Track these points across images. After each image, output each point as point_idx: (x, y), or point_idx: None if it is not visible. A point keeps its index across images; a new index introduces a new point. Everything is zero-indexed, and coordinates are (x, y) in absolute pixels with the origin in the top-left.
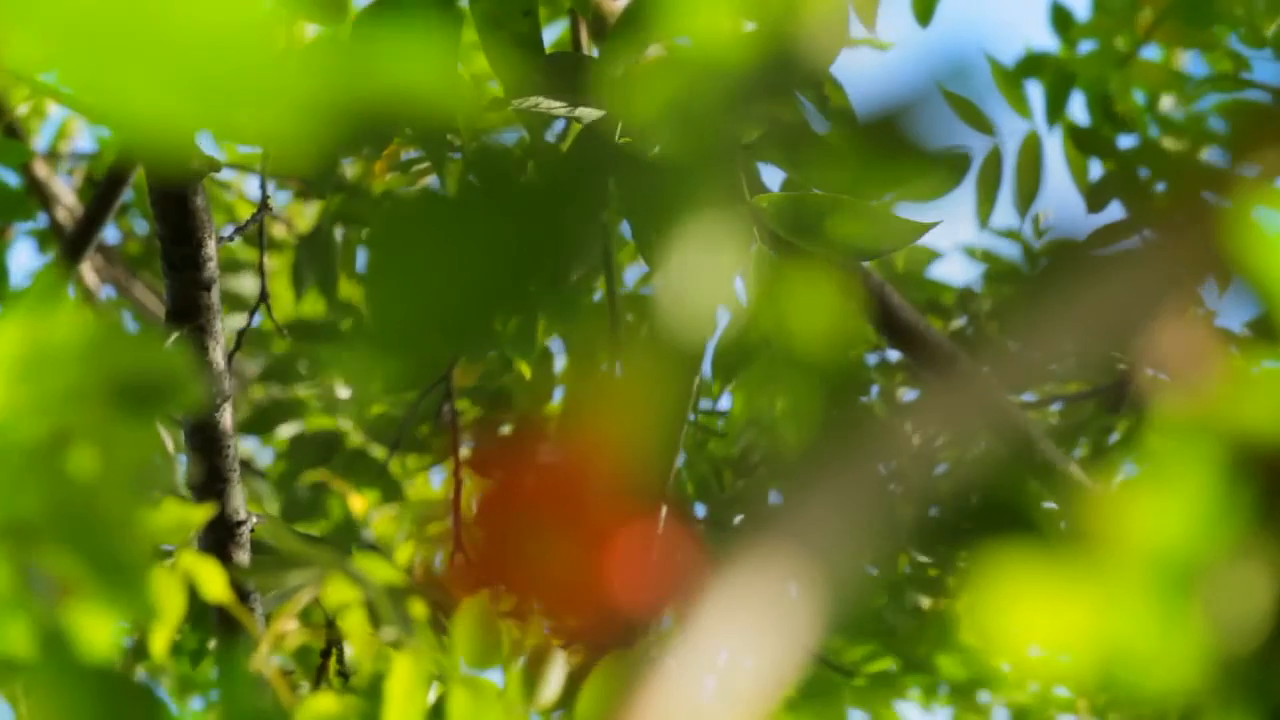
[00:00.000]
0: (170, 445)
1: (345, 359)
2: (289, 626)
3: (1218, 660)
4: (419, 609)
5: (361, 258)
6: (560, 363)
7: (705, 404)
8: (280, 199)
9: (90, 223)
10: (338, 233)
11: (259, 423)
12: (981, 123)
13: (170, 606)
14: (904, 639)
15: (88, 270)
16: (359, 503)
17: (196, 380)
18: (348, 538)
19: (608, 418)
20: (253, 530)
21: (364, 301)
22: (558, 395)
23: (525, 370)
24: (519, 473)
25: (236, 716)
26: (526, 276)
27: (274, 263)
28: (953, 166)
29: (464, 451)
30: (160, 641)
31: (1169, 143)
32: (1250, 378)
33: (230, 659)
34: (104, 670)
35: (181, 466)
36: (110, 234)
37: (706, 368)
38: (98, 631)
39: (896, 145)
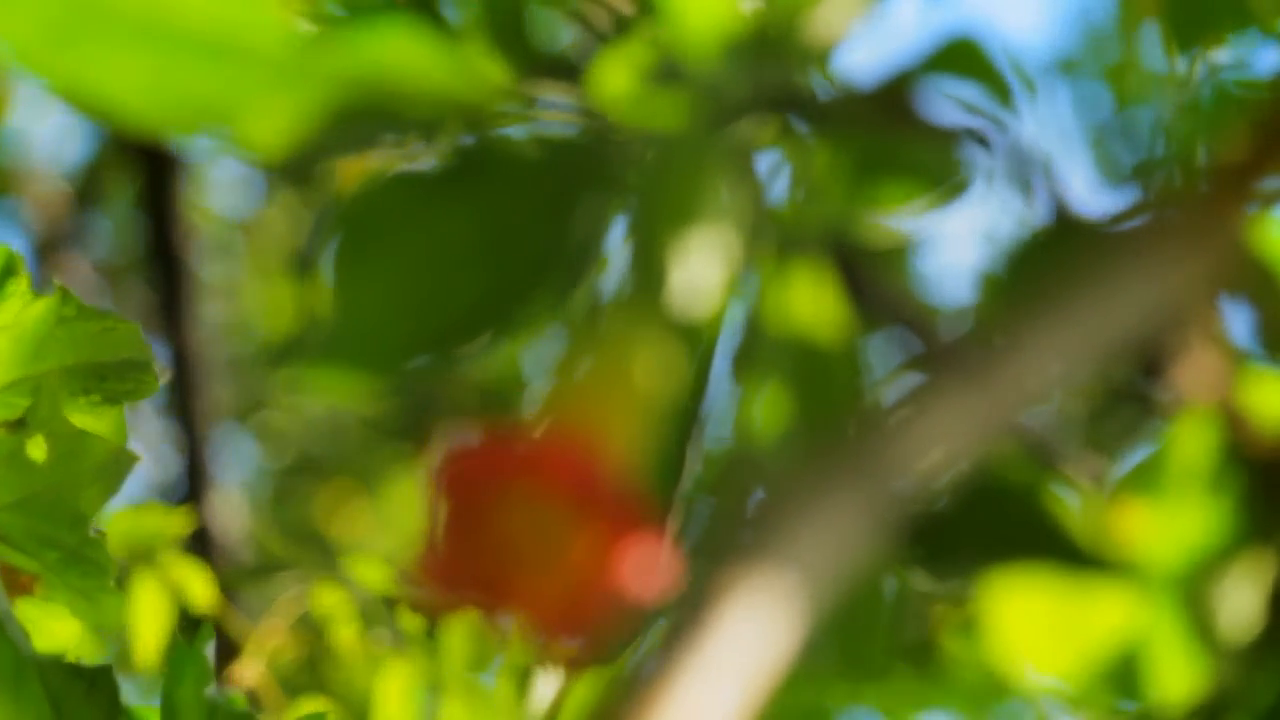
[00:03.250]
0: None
1: (309, 371)
2: (275, 631)
3: (1220, 664)
4: (409, 617)
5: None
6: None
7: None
8: (265, 189)
9: (71, 218)
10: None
11: (243, 415)
12: (987, 108)
13: (155, 610)
14: (908, 648)
15: (69, 270)
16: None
17: (157, 365)
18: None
19: (598, 417)
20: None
21: (330, 301)
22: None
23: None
24: (495, 472)
25: (182, 707)
26: (524, 273)
27: (258, 255)
28: (958, 166)
29: (442, 449)
30: (145, 645)
31: (1179, 132)
32: (1259, 381)
33: (178, 652)
34: (55, 661)
35: (159, 464)
36: (99, 238)
37: (718, 374)
38: (60, 625)
39: (902, 132)
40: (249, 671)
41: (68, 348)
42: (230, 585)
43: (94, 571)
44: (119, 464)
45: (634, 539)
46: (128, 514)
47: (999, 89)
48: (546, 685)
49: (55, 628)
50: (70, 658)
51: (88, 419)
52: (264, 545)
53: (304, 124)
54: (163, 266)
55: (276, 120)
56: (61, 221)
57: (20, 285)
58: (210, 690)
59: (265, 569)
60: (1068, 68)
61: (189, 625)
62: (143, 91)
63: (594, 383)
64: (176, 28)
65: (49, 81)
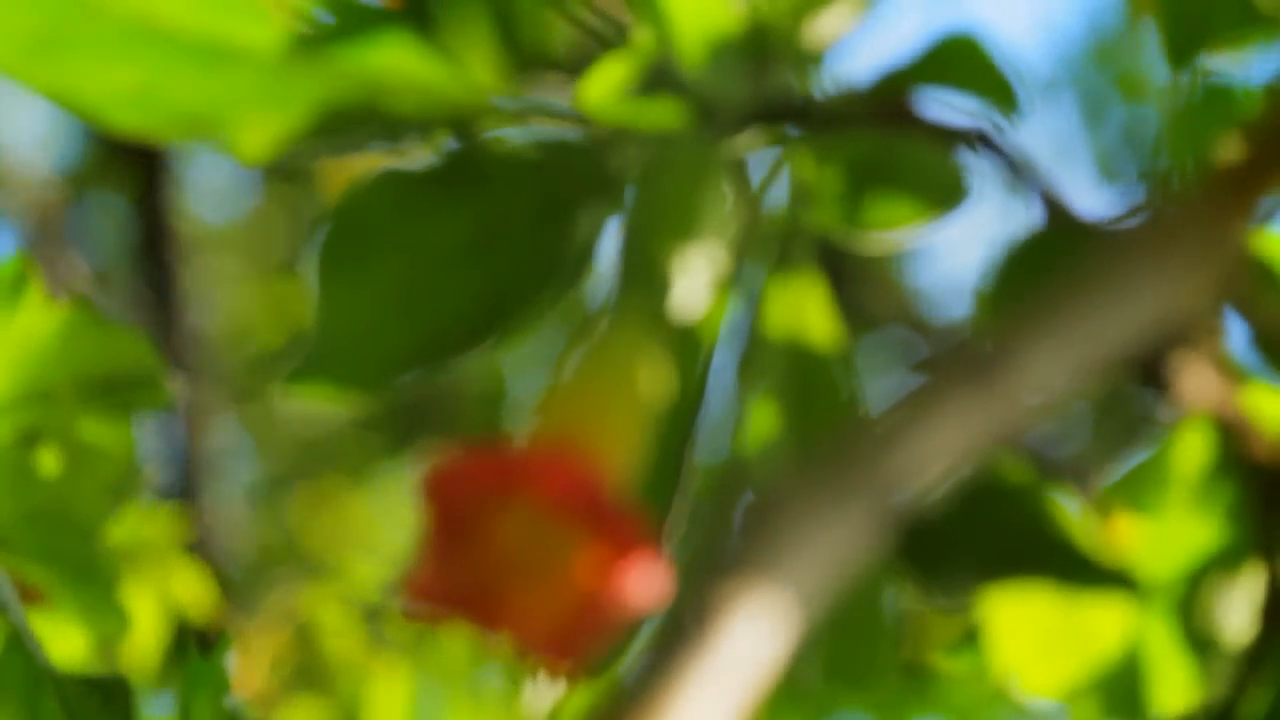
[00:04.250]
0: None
1: (295, 377)
2: (270, 633)
3: (1217, 674)
4: (402, 622)
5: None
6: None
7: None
8: (258, 195)
9: (62, 222)
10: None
11: (237, 418)
12: (986, 110)
13: (151, 613)
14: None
15: (61, 274)
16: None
17: (166, 375)
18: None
19: (591, 426)
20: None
21: (317, 301)
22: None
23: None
24: (485, 485)
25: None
26: (515, 276)
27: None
28: (957, 173)
29: (431, 462)
30: (141, 647)
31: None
32: (1259, 390)
33: (195, 662)
34: (71, 675)
35: (155, 468)
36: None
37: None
38: (68, 638)
39: (899, 134)
40: (245, 673)
41: (78, 358)
42: (225, 587)
43: (100, 584)
44: (128, 477)
45: (627, 552)
46: (124, 516)
47: (999, 89)
48: (540, 693)
49: (61, 639)
50: (83, 670)
51: (97, 430)
52: (259, 547)
53: (295, 129)
54: (154, 271)
55: (267, 125)
56: (52, 225)
57: (31, 294)
58: (228, 702)
59: (260, 571)
60: (1069, 73)
61: (185, 629)
62: (132, 97)
63: (587, 390)
64: (167, 33)
65: (37, 87)
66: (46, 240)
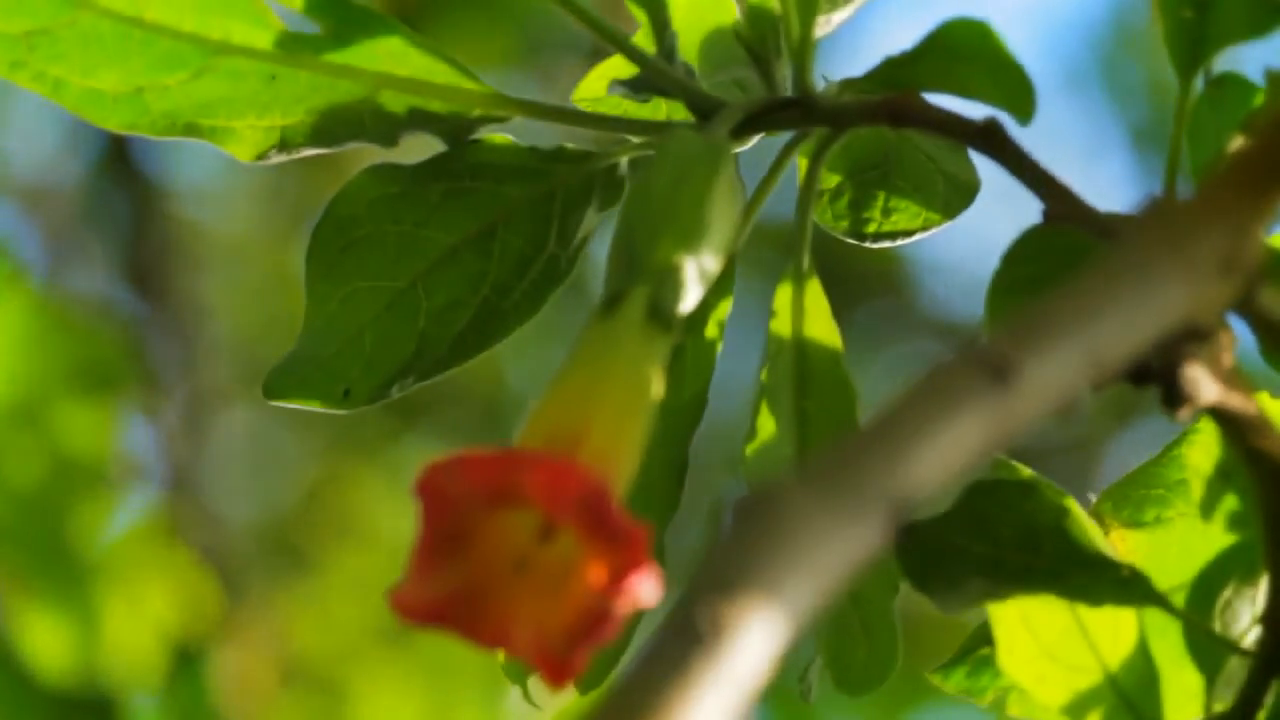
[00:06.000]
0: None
1: (277, 382)
2: (267, 628)
3: (1226, 676)
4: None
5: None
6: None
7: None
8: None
9: (64, 230)
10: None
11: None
12: (996, 101)
13: (144, 613)
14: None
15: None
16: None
17: (135, 366)
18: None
19: (587, 428)
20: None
21: (307, 296)
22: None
23: None
24: (479, 490)
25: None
26: (505, 273)
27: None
28: (967, 169)
29: (425, 467)
30: (137, 645)
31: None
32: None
33: (184, 665)
34: (57, 689)
35: (153, 463)
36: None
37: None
38: (48, 635)
39: (906, 127)
40: (241, 670)
41: (59, 352)
42: (224, 584)
43: (82, 578)
44: (110, 470)
45: (624, 558)
46: (121, 514)
47: (1008, 73)
48: (536, 701)
49: (42, 635)
50: (70, 683)
51: (78, 423)
52: (258, 544)
53: (290, 127)
54: (157, 269)
55: (263, 123)
56: (54, 233)
57: (11, 290)
58: (212, 705)
59: (259, 568)
60: (1094, 66)
61: (177, 631)
62: (126, 95)
63: (581, 388)
64: (160, 32)
65: (32, 85)
66: (54, 241)
